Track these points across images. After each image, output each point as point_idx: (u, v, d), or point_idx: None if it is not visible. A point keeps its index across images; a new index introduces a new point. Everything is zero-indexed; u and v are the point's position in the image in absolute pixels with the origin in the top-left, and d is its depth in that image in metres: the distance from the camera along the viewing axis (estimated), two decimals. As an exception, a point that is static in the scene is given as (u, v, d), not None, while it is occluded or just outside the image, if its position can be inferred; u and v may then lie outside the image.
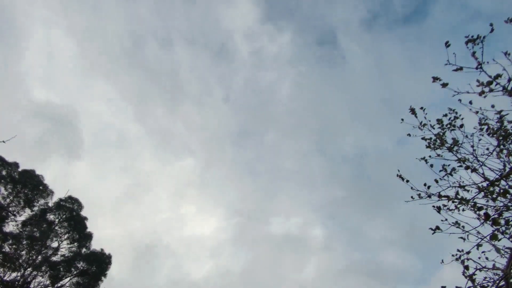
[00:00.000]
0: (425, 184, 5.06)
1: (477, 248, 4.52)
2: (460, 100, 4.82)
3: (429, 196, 5.04)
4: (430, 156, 5.47)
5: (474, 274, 4.20)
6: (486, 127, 5.12)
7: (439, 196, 4.97)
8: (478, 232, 4.55)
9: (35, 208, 26.05)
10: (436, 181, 5.17)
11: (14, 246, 24.05)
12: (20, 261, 23.97)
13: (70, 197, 27.32)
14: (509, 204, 4.57)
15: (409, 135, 5.68)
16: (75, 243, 26.57)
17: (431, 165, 5.44)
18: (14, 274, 23.65)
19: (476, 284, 4.25)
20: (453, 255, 4.75)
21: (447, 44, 4.42)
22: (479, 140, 5.17)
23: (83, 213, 27.79)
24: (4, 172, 25.43)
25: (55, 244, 26.11)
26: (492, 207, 4.66)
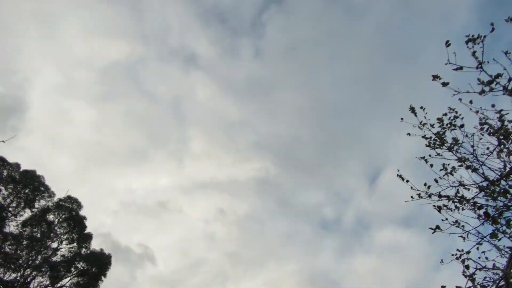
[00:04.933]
0: (425, 184, 5.05)
1: (477, 248, 4.51)
2: (460, 99, 4.81)
3: (429, 196, 5.03)
4: (430, 155, 5.47)
5: (474, 273, 4.19)
6: (486, 126, 5.11)
7: (439, 196, 4.96)
8: (478, 232, 4.54)
9: (35, 209, 26.06)
10: (436, 180, 5.16)
11: (14, 247, 24.05)
12: (20, 261, 23.96)
13: (69, 197, 27.33)
14: (509, 203, 4.56)
15: (408, 134, 5.68)
16: (75, 243, 26.58)
17: (431, 165, 5.43)
18: (14, 275, 23.65)
19: (476, 284, 4.24)
20: (453, 255, 4.75)
21: (447, 44, 4.41)
22: (480, 139, 5.16)
23: (82, 212, 27.83)
24: (5, 173, 25.44)
25: (55, 245, 26.14)
26: (493, 207, 4.65)
